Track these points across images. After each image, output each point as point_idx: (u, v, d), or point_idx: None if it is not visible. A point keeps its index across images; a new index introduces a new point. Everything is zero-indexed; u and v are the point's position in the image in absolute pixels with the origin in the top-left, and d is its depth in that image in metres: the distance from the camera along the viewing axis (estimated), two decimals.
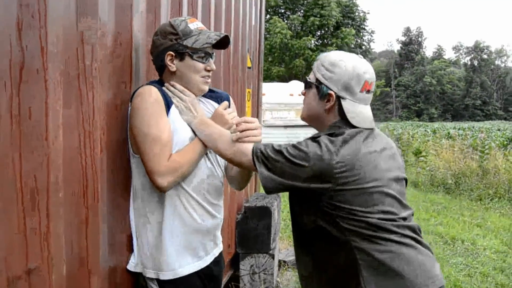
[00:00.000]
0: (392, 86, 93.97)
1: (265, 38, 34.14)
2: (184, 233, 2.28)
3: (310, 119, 2.29)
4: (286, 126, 17.81)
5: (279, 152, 2.05)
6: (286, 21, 35.45)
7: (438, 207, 10.27)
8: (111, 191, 2.12)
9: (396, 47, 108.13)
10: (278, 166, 2.03)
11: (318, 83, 2.20)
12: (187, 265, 2.31)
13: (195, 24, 2.29)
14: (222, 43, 2.35)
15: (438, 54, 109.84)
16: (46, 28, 1.61)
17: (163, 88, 2.30)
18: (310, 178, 1.99)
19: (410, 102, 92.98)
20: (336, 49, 34.08)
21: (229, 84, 4.30)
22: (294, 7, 36.95)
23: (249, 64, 5.29)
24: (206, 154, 2.32)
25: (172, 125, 2.23)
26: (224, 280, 4.36)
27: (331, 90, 2.16)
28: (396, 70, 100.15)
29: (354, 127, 2.14)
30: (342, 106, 2.16)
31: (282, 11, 37.64)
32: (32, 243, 1.57)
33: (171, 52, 2.26)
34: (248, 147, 2.13)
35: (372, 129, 2.19)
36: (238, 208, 4.78)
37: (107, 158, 2.08)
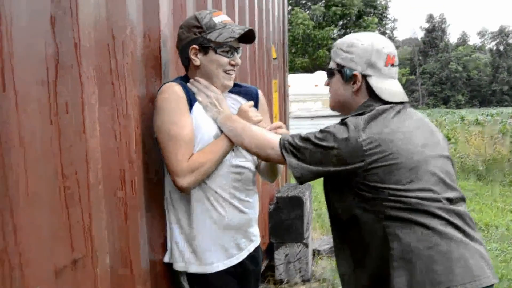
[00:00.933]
0: (417, 73, 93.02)
1: (288, 30, 33.92)
2: (214, 230, 2.25)
3: (340, 106, 2.23)
4: (312, 117, 17.75)
5: (306, 139, 2.01)
6: (308, 12, 35.27)
7: (470, 194, 10.14)
8: (147, 184, 2.15)
9: (420, 34, 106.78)
10: (307, 153, 2.00)
11: (340, 67, 2.15)
12: (217, 261, 2.28)
13: (220, 18, 2.25)
14: (248, 37, 2.30)
15: (463, 40, 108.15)
16: (78, 23, 1.62)
17: (188, 84, 2.27)
18: (340, 161, 1.94)
19: (436, 90, 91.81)
20: None
21: (255, 77, 4.31)
22: None
23: (274, 55, 5.30)
24: (233, 150, 2.28)
25: (195, 122, 2.20)
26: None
27: (355, 70, 2.11)
28: (420, 57, 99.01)
29: (385, 103, 2.07)
30: (369, 84, 2.10)
31: (304, 2, 37.48)
32: (76, 235, 1.60)
33: (195, 46, 2.23)
34: (275, 140, 2.10)
35: (404, 105, 2.11)
36: (270, 199, 4.80)
37: (142, 152, 2.11)
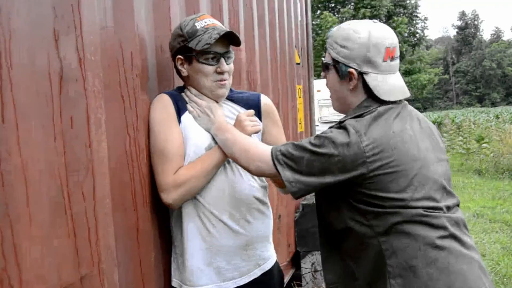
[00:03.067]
0: (450, 73, 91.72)
1: (317, 34, 34.02)
2: (204, 249, 2.10)
3: (341, 106, 2.05)
4: None
5: (301, 147, 1.84)
6: (337, 15, 35.12)
7: (505, 194, 9.93)
8: (158, 198, 2.10)
9: (452, 32, 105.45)
10: (303, 163, 1.82)
11: (335, 63, 1.97)
12: (211, 283, 2.13)
13: (202, 22, 2.10)
14: (232, 39, 2.13)
15: (496, 37, 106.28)
16: (82, 37, 1.61)
17: (182, 94, 2.19)
18: (341, 169, 1.78)
19: (470, 88, 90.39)
20: None
21: (277, 82, 4.27)
22: (344, 0, 36.57)
23: (297, 60, 5.26)
24: (229, 163, 2.14)
25: (184, 134, 2.10)
26: (286, 279, 4.33)
27: (351, 67, 1.93)
28: (453, 56, 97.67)
29: (384, 103, 1.91)
30: (366, 82, 1.93)
31: (333, 5, 37.32)
32: (83, 250, 1.59)
33: (180, 56, 2.12)
34: (265, 151, 1.93)
35: (404, 104, 1.98)
36: (296, 207, 4.75)
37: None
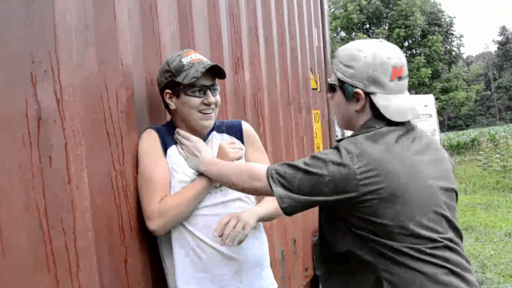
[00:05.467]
0: (492, 88, 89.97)
1: None
2: (197, 278, 2.14)
3: (346, 124, 2.03)
4: None
5: (295, 167, 1.86)
6: (371, 37, 35.04)
7: None
8: (146, 228, 2.15)
9: (493, 48, 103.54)
10: (295, 182, 1.83)
11: (341, 83, 1.95)
12: None
13: (188, 58, 2.21)
14: (219, 71, 2.23)
15: None
16: (60, 80, 1.70)
17: (176, 130, 2.27)
18: (331, 190, 1.76)
19: None
20: (425, 59, 33.87)
21: (286, 108, 4.30)
22: (378, 21, 36.50)
23: (313, 85, 5.29)
24: (217, 189, 2.21)
25: (170, 167, 2.20)
26: None
27: (357, 87, 1.90)
28: (495, 71, 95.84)
29: (391, 123, 1.87)
30: (373, 102, 1.89)
31: (367, 26, 37.28)
32: (63, 284, 1.65)
33: (168, 91, 2.21)
34: (261, 171, 1.96)
35: (412, 126, 1.93)
36: (314, 231, 4.74)
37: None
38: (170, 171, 2.20)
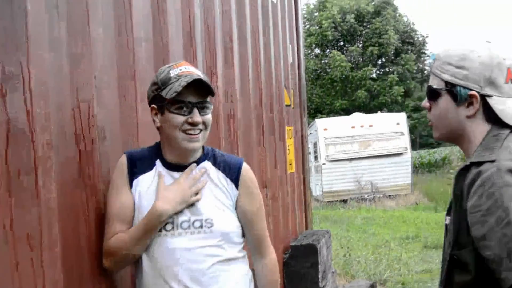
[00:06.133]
0: None
1: (326, 73, 34.37)
2: None
3: (450, 134, 1.80)
4: (350, 159, 17.69)
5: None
6: (345, 54, 35.42)
7: None
8: None
9: None
10: None
11: (451, 86, 1.72)
12: None
13: (177, 70, 1.96)
14: (207, 87, 1.99)
15: None
16: (31, 92, 1.68)
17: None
18: None
19: None
20: (398, 77, 34.00)
21: (262, 125, 4.32)
22: (352, 39, 36.88)
23: (287, 102, 5.33)
24: (173, 228, 1.97)
25: (138, 201, 2.01)
26: None
27: (472, 89, 1.68)
28: None
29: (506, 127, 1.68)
30: (489, 106, 1.68)
31: (341, 44, 37.64)
32: None
33: (154, 106, 2.00)
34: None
35: None
36: (285, 248, 4.76)
37: None
38: (136, 203, 2.03)
